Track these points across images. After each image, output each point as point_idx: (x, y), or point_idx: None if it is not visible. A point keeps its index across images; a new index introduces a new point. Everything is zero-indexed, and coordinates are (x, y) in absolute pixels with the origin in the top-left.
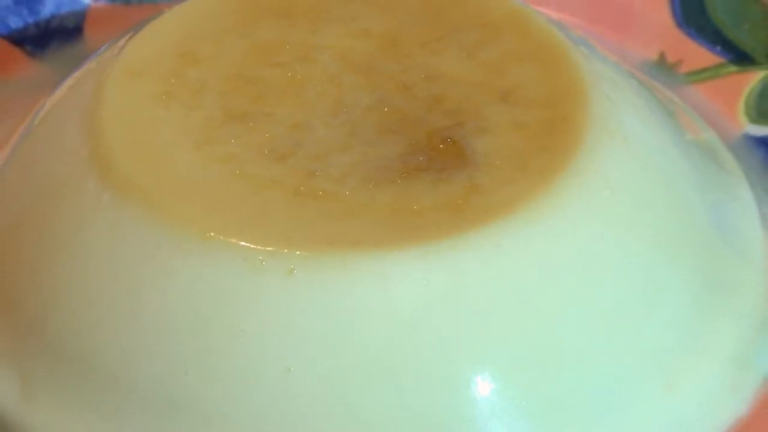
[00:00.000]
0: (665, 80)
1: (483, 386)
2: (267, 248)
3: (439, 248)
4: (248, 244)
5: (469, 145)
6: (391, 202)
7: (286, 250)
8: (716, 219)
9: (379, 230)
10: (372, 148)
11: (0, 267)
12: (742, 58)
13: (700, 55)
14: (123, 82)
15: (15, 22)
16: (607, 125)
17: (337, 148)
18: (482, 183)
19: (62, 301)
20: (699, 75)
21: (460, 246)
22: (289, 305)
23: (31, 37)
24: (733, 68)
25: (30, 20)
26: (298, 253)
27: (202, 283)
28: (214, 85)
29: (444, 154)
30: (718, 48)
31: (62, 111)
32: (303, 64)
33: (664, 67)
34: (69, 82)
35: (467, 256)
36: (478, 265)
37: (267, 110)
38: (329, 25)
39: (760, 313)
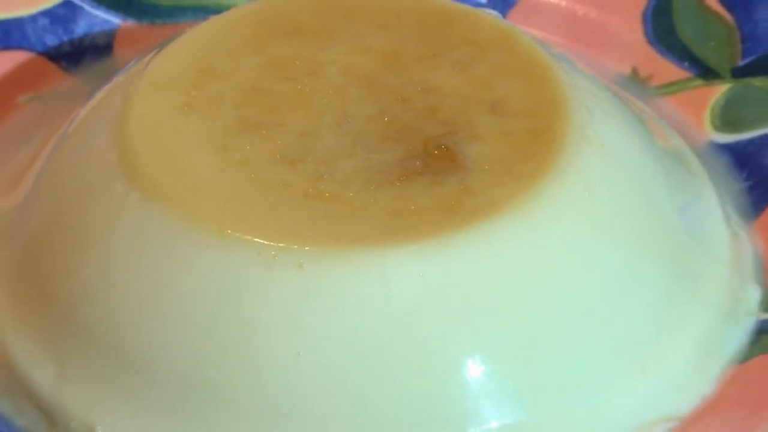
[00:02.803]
0: (638, 93)
1: (474, 369)
2: (279, 244)
3: (434, 245)
4: (262, 241)
5: (462, 152)
6: (390, 202)
7: (296, 246)
8: (684, 217)
9: (379, 228)
10: (373, 154)
11: (38, 260)
12: (707, 72)
13: (669, 70)
14: (148, 95)
15: (51, 40)
16: (586, 133)
17: (342, 154)
18: (473, 185)
19: (93, 291)
20: (668, 88)
21: (453, 243)
22: (298, 296)
23: (65, 54)
24: (699, 82)
25: (65, 38)
26: (307, 248)
27: (220, 275)
28: (231, 98)
29: (438, 159)
30: (686, 63)
31: (93, 120)
32: (312, 78)
33: (636, 81)
34: (99, 94)
35: (459, 251)
36: (469, 260)
37: (279, 120)
38: (335, 43)
39: (724, 303)
